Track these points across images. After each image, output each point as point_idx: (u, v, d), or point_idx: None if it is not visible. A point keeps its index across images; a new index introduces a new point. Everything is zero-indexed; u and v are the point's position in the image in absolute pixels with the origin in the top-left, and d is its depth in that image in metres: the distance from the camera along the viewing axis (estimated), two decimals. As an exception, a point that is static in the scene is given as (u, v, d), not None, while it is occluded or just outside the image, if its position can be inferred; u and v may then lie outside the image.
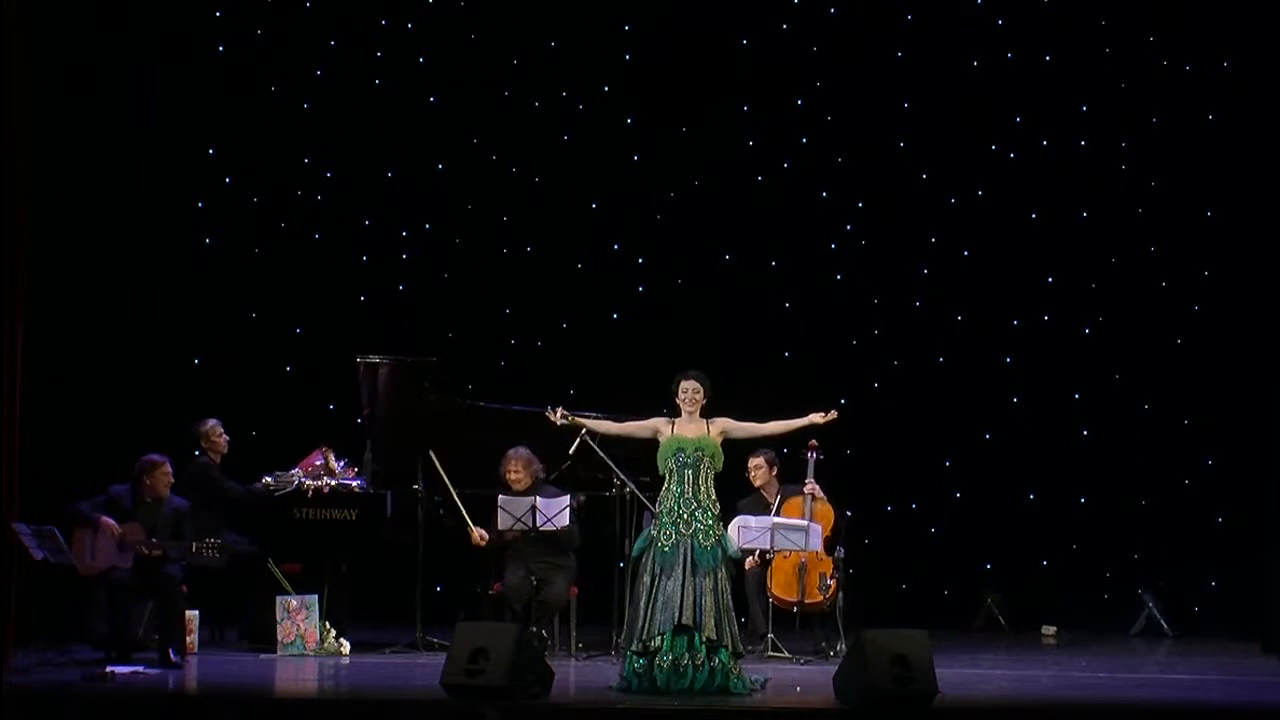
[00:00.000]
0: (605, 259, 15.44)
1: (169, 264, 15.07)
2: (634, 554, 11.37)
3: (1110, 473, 15.02)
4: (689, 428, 11.11)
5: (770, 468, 13.14)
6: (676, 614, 10.85)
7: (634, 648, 10.98)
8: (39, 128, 12.50)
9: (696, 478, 11.05)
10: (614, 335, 15.31)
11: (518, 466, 12.78)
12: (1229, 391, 14.71)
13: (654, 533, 11.07)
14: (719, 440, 11.13)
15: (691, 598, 10.88)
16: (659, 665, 10.88)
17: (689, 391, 11.10)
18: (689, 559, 10.94)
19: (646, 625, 10.92)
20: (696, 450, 11.05)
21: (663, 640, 10.88)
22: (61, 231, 13.72)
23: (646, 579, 11.02)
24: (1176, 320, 15.07)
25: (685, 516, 11.01)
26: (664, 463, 11.11)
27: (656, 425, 11.20)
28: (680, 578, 10.91)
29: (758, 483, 13.07)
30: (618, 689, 10.98)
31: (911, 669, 10.39)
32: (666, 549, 10.98)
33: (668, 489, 11.10)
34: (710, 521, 11.04)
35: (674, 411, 11.19)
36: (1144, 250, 15.14)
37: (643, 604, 11.00)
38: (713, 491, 11.10)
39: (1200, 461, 14.94)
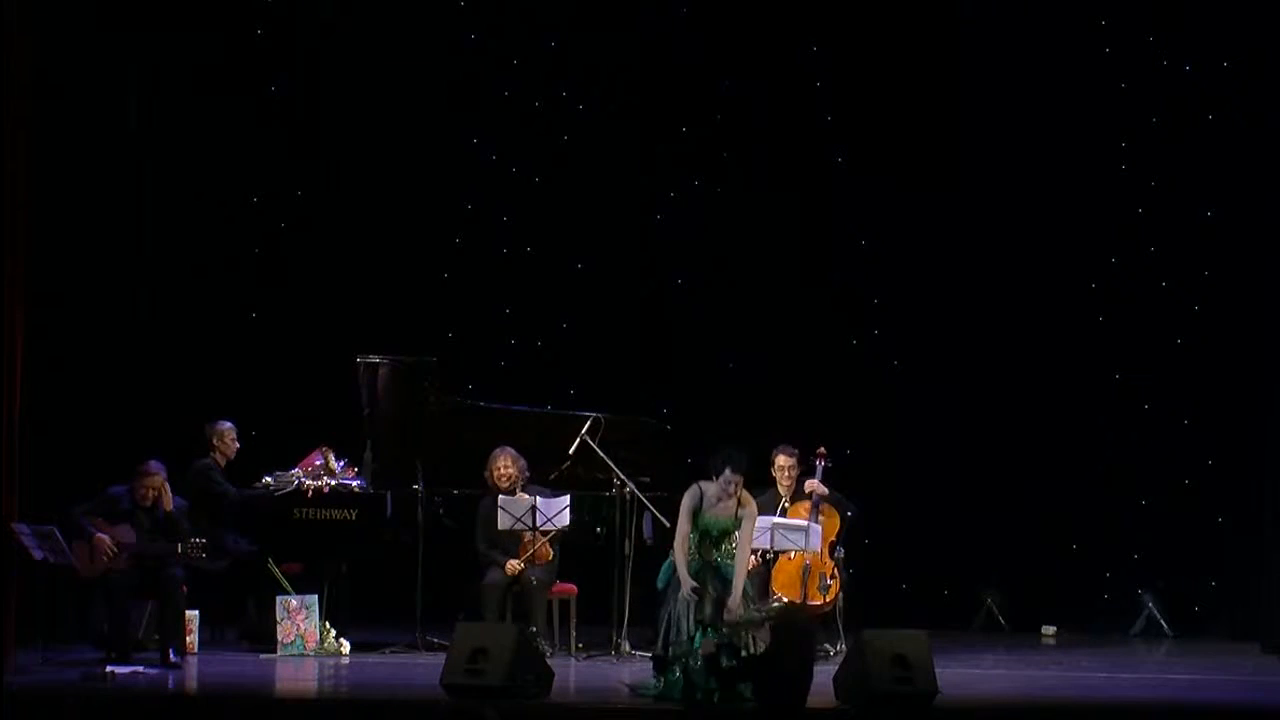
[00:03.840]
0: (605, 259, 15.43)
1: (169, 264, 15.06)
2: (659, 584, 11.35)
3: (1110, 473, 15.01)
4: (718, 508, 11.24)
5: (797, 468, 13.10)
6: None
7: (667, 653, 10.93)
8: (39, 128, 12.50)
9: (716, 548, 11.17)
10: (614, 335, 15.30)
11: (506, 461, 12.78)
12: (1229, 391, 14.70)
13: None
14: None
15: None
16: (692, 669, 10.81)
17: (736, 486, 11.20)
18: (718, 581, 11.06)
19: (677, 626, 10.94)
20: (722, 533, 11.19)
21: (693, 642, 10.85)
22: (61, 231, 13.73)
23: (671, 603, 11.10)
24: (1176, 320, 15.06)
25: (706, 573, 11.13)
26: (694, 544, 11.24)
27: (690, 507, 11.26)
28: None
29: (785, 482, 13.01)
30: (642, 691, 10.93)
31: (911, 669, 10.40)
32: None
33: (702, 581, 11.16)
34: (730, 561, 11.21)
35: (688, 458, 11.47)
36: (1144, 250, 15.13)
37: (671, 611, 11.03)
38: (732, 546, 11.23)
39: (1200, 461, 14.93)
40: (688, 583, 11.05)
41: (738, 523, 11.22)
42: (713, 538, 11.19)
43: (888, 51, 15.25)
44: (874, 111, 15.30)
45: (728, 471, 11.16)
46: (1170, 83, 15.00)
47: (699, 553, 11.17)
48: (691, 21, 15.34)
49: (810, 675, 10.16)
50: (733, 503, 11.23)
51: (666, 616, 11.04)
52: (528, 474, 12.89)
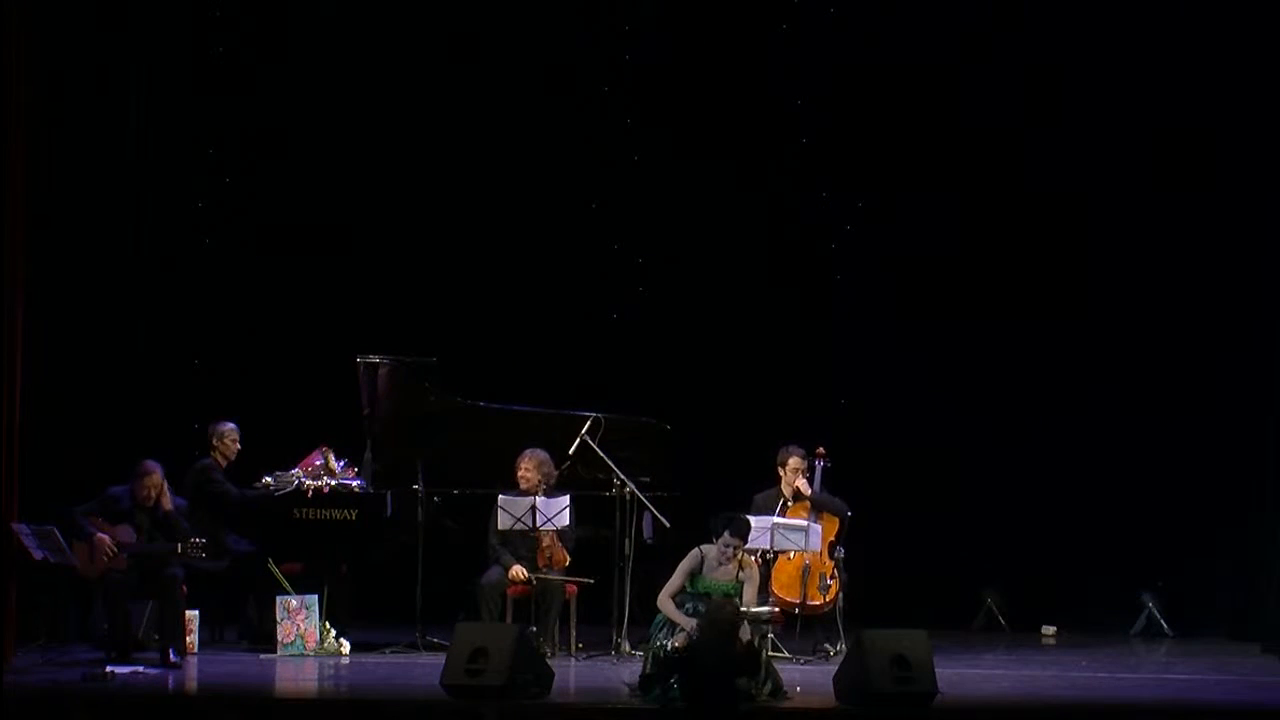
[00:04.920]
0: (605, 259, 15.42)
1: (169, 264, 15.06)
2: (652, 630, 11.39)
3: (1110, 473, 15.00)
4: (719, 571, 11.34)
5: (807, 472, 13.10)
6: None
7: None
8: (38, 127, 12.50)
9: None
10: (614, 335, 15.29)
11: (530, 465, 12.78)
12: (1229, 391, 14.69)
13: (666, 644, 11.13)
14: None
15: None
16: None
17: (735, 550, 11.32)
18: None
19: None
20: (723, 595, 11.22)
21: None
22: (61, 232, 13.73)
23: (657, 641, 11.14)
24: (1176, 320, 15.04)
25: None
26: (689, 588, 11.31)
27: (689, 569, 11.38)
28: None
29: (794, 482, 13.01)
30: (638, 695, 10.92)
31: (911, 669, 10.41)
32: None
33: (681, 606, 11.25)
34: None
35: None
36: (1144, 250, 15.12)
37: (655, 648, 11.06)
38: None
39: (1200, 461, 14.91)
40: (690, 622, 11.08)
41: (739, 586, 11.32)
42: (712, 599, 11.22)
43: (886, 50, 15.25)
44: (872, 110, 15.29)
45: (726, 535, 11.29)
46: (1171, 82, 14.97)
47: (695, 606, 11.22)
48: (693, 21, 15.32)
49: (732, 671, 10.19)
50: (733, 566, 11.33)
51: (651, 653, 11.04)
52: (553, 481, 12.88)
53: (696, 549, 11.44)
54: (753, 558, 11.69)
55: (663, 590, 11.44)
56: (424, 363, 13.18)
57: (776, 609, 12.35)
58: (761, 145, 15.40)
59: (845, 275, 15.42)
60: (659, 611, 11.41)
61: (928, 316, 15.27)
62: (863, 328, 15.34)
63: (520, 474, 12.80)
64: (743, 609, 11.09)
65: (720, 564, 11.32)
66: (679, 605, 11.31)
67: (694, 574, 11.37)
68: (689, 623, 11.07)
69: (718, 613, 10.50)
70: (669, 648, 10.88)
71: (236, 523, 13.08)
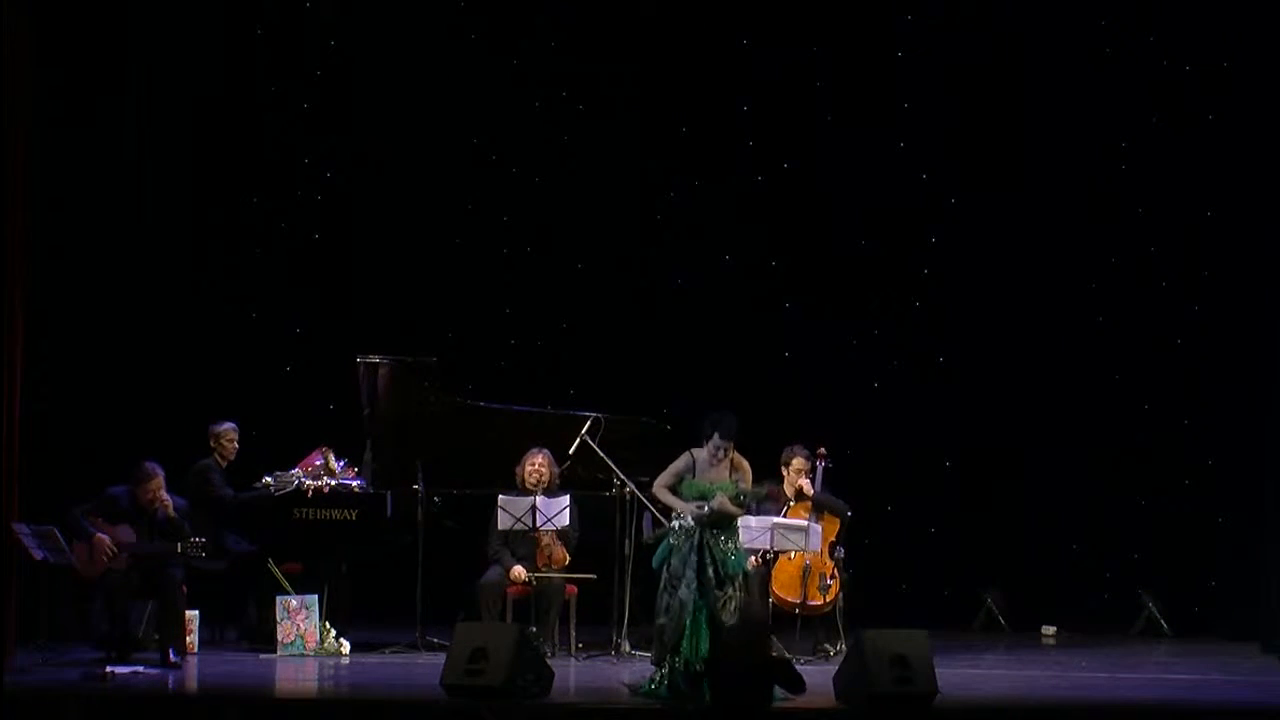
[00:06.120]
0: (605, 259, 15.42)
1: (169, 263, 15.06)
2: (655, 564, 11.30)
3: (1110, 473, 15.00)
4: (711, 473, 11.21)
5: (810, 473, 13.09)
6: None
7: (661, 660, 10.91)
8: (39, 127, 12.50)
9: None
10: (614, 335, 15.29)
11: (543, 461, 12.77)
12: (1229, 391, 14.69)
13: (671, 541, 11.06)
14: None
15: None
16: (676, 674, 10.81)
17: (725, 451, 11.17)
18: (709, 568, 10.95)
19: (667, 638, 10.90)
20: (720, 493, 11.14)
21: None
22: (61, 231, 13.73)
23: (665, 594, 11.03)
24: (1176, 320, 15.05)
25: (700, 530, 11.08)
26: (682, 489, 11.23)
27: (679, 470, 11.27)
28: (694, 587, 10.91)
29: (798, 482, 13.01)
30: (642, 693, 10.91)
31: (911, 669, 10.41)
32: (683, 549, 10.98)
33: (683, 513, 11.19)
34: (727, 534, 11.12)
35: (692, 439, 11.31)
36: (1144, 250, 15.13)
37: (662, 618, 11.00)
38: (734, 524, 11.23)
39: (1200, 461, 14.92)
40: (689, 506, 11.06)
41: (733, 484, 11.18)
42: (708, 500, 11.10)
43: (888, 49, 15.26)
44: (872, 110, 15.30)
45: (716, 437, 11.14)
46: (1171, 83, 14.97)
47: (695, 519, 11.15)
48: (693, 20, 15.31)
49: (767, 674, 10.12)
50: (725, 468, 11.20)
51: (665, 601, 11.01)
52: (559, 481, 12.89)
53: (688, 452, 11.28)
54: (744, 469, 11.47)
55: (657, 480, 11.37)
56: (424, 363, 13.18)
57: (771, 485, 12.27)
58: (760, 144, 15.40)
59: (845, 275, 15.40)
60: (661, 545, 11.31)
61: (928, 316, 15.28)
62: (862, 327, 15.35)
63: (534, 468, 12.76)
64: (738, 493, 11.07)
65: (712, 465, 11.23)
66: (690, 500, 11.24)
67: (681, 476, 11.25)
68: (686, 506, 11.04)
69: (747, 611, 10.42)
70: (672, 623, 10.84)
71: (236, 523, 13.08)
